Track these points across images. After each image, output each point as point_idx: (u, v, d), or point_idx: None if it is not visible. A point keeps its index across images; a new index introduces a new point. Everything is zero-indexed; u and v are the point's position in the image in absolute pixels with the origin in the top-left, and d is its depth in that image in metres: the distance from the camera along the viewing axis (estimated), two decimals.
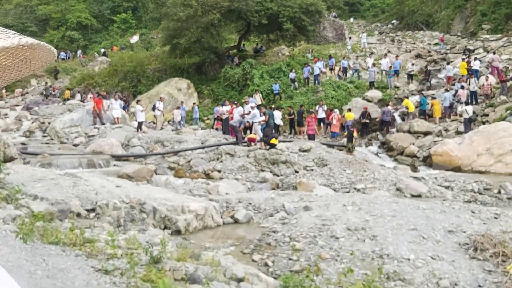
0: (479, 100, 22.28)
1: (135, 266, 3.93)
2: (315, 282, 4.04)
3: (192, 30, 29.20)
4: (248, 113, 19.43)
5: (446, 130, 20.57)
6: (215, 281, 4.08)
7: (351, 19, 52.52)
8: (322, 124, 23.95)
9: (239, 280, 4.45)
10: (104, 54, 44.92)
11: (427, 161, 17.85)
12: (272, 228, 7.84)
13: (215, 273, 4.29)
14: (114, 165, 15.83)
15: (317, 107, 24.12)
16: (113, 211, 7.63)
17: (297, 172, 14.90)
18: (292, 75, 28.24)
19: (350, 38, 33.89)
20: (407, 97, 23.29)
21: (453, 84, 23.81)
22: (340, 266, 5.86)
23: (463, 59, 26.62)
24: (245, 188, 12.05)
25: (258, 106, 20.63)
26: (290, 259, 6.24)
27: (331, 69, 29.49)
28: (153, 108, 23.04)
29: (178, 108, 25.33)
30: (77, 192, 8.42)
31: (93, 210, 7.83)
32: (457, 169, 16.27)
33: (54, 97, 34.97)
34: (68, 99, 32.62)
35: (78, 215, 7.60)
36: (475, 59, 25.18)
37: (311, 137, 21.09)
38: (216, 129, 23.06)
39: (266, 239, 7.30)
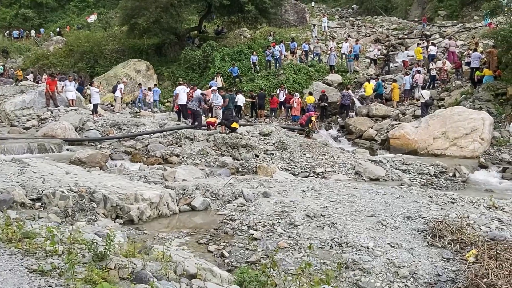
0: (435, 85, 22.73)
1: (76, 265, 3.58)
2: (272, 278, 3.84)
3: (151, 10, 28.32)
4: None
5: (404, 113, 20.91)
6: (163, 280, 3.80)
7: (312, 3, 52.44)
8: (283, 108, 23.96)
9: (191, 276, 4.20)
10: (59, 33, 43.01)
11: (385, 144, 18.06)
12: (230, 216, 7.60)
13: (164, 270, 4.00)
14: (67, 150, 15.17)
15: (278, 91, 24.06)
16: (60, 201, 7.15)
17: (257, 156, 14.72)
18: (254, 58, 27.94)
19: (315, 26, 33.80)
20: (368, 81, 23.46)
21: (410, 69, 24.16)
22: (299, 256, 5.70)
23: (418, 44, 27.06)
24: (203, 174, 11.73)
25: (218, 89, 20.22)
26: (247, 249, 6.02)
27: (293, 53, 29.35)
28: (114, 90, 22.20)
29: (150, 89, 24.42)
30: (22, 180, 7.86)
31: (38, 199, 7.32)
32: (414, 152, 16.55)
33: (8, 77, 33.21)
34: (21, 80, 31.04)
35: (22, 205, 7.09)
36: (433, 44, 25.63)
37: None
38: (176, 112, 22.49)
39: (223, 228, 7.05)
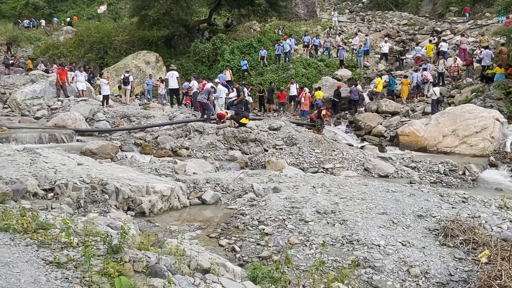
0: (445, 82, 22.54)
1: (91, 257, 3.61)
2: (285, 274, 3.85)
3: (161, 1, 28.29)
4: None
5: (413, 110, 20.79)
6: (178, 274, 3.83)
7: None
8: (292, 102, 23.92)
9: (205, 271, 4.22)
10: (69, 23, 43.07)
11: (394, 141, 18.01)
12: (240, 210, 7.62)
13: (178, 264, 4.03)
14: (78, 141, 15.25)
15: (288, 85, 24.02)
16: (72, 192, 7.21)
17: (266, 150, 14.72)
18: (262, 52, 27.86)
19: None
20: (380, 76, 23.31)
21: (420, 65, 23.97)
22: (310, 252, 5.71)
23: (430, 41, 26.79)
24: (213, 168, 11.75)
25: (229, 82, 20.20)
26: (258, 244, 6.04)
27: (306, 46, 29.23)
28: (125, 82, 21.97)
29: (162, 81, 24.41)
30: (35, 170, 7.93)
31: (51, 190, 7.37)
32: (423, 149, 16.49)
33: (17, 66, 33.33)
34: (31, 69, 31.14)
35: (35, 195, 7.15)
36: (443, 40, 25.39)
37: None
38: (185, 104, 22.52)
39: (234, 222, 7.07)
